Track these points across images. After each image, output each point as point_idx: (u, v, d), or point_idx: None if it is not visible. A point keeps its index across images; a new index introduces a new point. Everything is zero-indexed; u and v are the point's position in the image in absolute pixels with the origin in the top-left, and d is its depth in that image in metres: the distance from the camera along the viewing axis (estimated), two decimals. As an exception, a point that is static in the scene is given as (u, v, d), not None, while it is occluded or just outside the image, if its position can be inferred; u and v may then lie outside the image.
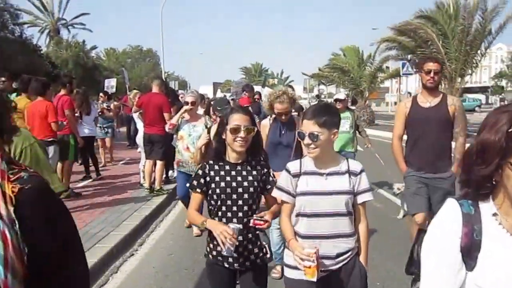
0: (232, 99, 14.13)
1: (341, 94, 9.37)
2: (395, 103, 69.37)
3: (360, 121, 9.17)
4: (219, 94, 36.17)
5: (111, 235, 6.72)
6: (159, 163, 9.16)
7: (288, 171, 2.99)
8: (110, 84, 21.25)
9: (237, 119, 3.10)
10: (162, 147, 8.94)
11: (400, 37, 19.52)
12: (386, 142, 20.14)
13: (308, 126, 2.85)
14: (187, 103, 6.69)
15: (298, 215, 2.97)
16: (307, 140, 2.84)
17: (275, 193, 3.06)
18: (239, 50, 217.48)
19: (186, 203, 7.05)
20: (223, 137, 3.15)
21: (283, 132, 5.00)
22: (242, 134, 3.06)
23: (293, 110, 5.14)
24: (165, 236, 7.35)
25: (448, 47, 17.99)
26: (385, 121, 32.85)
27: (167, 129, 7.07)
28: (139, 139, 9.94)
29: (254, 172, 3.20)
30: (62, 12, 50.91)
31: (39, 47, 32.56)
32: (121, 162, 13.71)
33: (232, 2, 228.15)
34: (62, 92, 9.30)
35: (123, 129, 19.19)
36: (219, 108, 5.40)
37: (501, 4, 16.90)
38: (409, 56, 20.96)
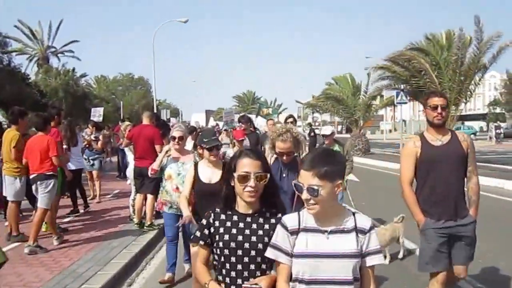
0: (225, 130, 13.88)
1: (327, 128, 9.08)
2: (390, 130, 70.15)
3: (350, 155, 9.02)
4: (212, 122, 36.14)
5: (98, 275, 6.40)
6: (150, 197, 8.82)
7: (285, 227, 2.56)
8: (97, 113, 20.64)
9: (246, 165, 2.68)
10: (153, 180, 8.59)
11: (394, 67, 19.56)
12: (382, 172, 20.13)
13: (307, 178, 2.42)
14: (174, 138, 6.09)
15: (295, 281, 2.54)
16: (305, 195, 2.43)
17: (270, 252, 2.58)
18: (232, 77, 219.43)
19: (172, 246, 6.51)
20: (232, 184, 2.72)
21: (284, 175, 4.44)
22: (252, 183, 2.63)
23: (303, 152, 4.59)
24: (155, 275, 6.94)
25: (442, 77, 18.03)
26: (381, 150, 32.78)
27: (149, 175, 6.58)
28: (130, 172, 9.71)
29: (266, 226, 2.73)
30: (51, 40, 51.05)
31: (27, 76, 32.40)
32: (109, 195, 13.31)
33: (226, 30, 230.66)
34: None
35: (115, 159, 18.88)
36: (205, 140, 4.86)
37: (495, 37, 17.13)
38: (402, 86, 21.04)
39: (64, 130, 10.05)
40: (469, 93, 18.59)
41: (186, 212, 4.79)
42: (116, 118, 46.44)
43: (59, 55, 52.12)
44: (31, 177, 7.70)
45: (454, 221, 4.34)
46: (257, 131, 12.50)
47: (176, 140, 6.07)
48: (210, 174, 4.83)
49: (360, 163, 23.98)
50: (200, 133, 6.06)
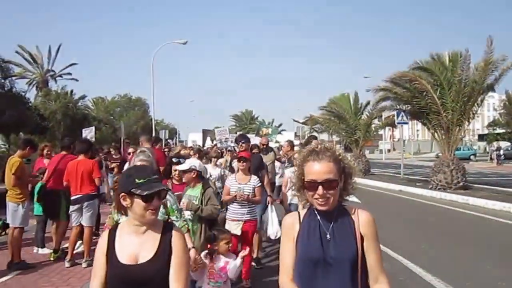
0: (229, 150, 13.22)
1: (186, 162, 6.43)
2: (389, 150, 70.12)
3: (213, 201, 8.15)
4: (209, 142, 35.87)
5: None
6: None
7: None
8: (89, 134, 19.57)
9: None
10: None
11: (395, 88, 19.52)
12: (383, 194, 19.93)
13: None
14: None
15: None
16: None
17: None
18: (230, 97, 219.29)
19: None
20: None
21: (328, 236, 2.54)
22: None
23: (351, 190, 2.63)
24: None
25: (444, 97, 18.02)
26: (381, 170, 32.52)
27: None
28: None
29: None
30: (51, 64, 51.31)
31: (28, 100, 32.48)
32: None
33: (222, 49, 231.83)
34: (65, 153, 9.32)
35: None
36: (140, 182, 2.59)
37: (500, 59, 17.23)
38: (403, 107, 21.04)
39: None
40: (471, 114, 18.57)
41: None
42: (113, 140, 46.38)
43: (57, 78, 52.42)
44: (74, 197, 8.33)
45: None
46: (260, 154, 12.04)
47: None
48: (137, 247, 2.65)
49: (360, 184, 23.63)
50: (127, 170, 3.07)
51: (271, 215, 7.70)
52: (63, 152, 9.28)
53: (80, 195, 8.29)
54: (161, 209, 3.85)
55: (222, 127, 22.21)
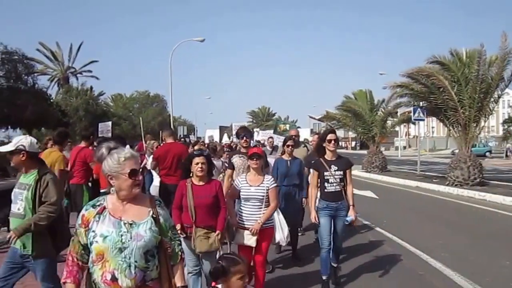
0: (258, 144, 12.24)
1: None
2: (404, 147, 69.66)
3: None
4: (225, 138, 36.02)
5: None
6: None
7: None
8: (106, 128, 18.50)
9: None
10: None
11: (412, 84, 19.45)
12: (400, 190, 19.89)
13: None
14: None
15: None
16: None
17: None
18: (246, 94, 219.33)
19: None
20: None
21: None
22: None
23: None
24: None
25: (462, 94, 17.92)
26: (397, 167, 32.42)
27: None
28: (154, 188, 9.75)
29: None
30: (72, 61, 52.04)
31: (49, 96, 33.04)
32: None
33: (238, 47, 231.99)
34: (84, 144, 9.43)
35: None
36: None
37: None
38: (420, 103, 20.96)
39: None
40: (488, 110, 18.42)
41: None
42: (132, 136, 46.96)
43: (77, 75, 53.18)
44: (104, 190, 7.95)
45: None
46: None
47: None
48: None
49: (377, 180, 24.12)
50: None
51: (278, 218, 6.76)
52: (81, 145, 9.38)
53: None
54: (153, 228, 3.07)
55: (241, 123, 22.16)
